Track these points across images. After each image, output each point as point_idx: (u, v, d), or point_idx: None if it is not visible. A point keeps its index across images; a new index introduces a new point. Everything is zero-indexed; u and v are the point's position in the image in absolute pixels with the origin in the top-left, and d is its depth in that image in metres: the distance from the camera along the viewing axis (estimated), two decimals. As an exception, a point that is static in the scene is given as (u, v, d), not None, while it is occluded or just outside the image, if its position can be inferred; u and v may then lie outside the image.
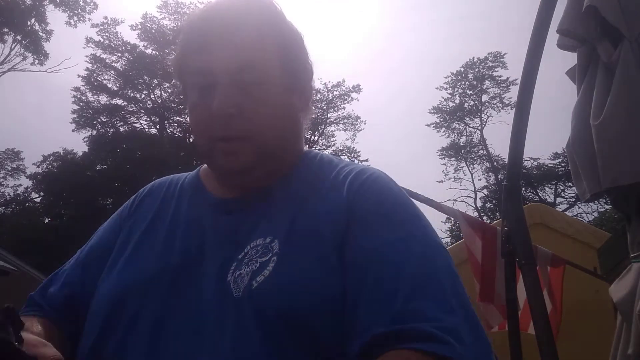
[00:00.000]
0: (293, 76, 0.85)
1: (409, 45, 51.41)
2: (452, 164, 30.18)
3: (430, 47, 51.50)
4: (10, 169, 27.46)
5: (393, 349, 0.60)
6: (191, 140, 27.06)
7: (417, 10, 54.13)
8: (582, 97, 1.67)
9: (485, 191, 29.50)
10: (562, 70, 1.85)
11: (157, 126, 28.02)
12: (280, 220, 0.77)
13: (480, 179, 29.89)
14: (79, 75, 26.64)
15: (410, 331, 0.60)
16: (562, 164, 25.32)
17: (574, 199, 25.62)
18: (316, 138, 28.53)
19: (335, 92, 28.68)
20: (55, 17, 32.68)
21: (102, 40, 26.72)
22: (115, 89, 27.36)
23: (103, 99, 27.38)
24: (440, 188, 37.18)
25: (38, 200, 26.99)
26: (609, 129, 1.50)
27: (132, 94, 27.81)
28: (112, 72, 27.25)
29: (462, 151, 30.09)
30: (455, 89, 30.16)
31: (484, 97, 29.68)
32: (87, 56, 26.59)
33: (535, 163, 27.32)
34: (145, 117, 28.33)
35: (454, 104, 30.23)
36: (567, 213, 17.03)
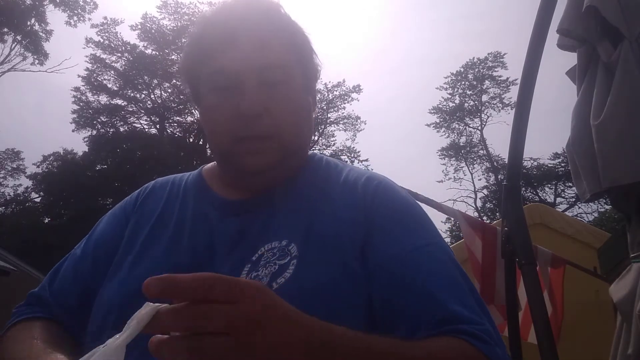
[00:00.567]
0: (305, 76, 0.86)
1: (409, 45, 51.42)
2: (452, 164, 30.21)
3: (430, 47, 51.52)
4: (10, 169, 27.45)
5: (450, 335, 0.64)
6: (191, 140, 27.09)
7: (417, 11, 54.18)
8: (582, 97, 1.67)
9: (485, 191, 29.52)
10: (562, 70, 1.85)
11: (157, 126, 28.00)
12: (294, 223, 0.78)
13: (480, 179, 29.91)
14: (79, 75, 26.66)
15: (456, 331, 0.64)
16: (562, 164, 25.30)
17: (574, 199, 25.60)
18: (316, 138, 28.50)
19: (335, 92, 28.68)
20: (55, 17, 32.71)
21: (102, 40, 26.71)
22: (115, 89, 27.35)
23: (103, 99, 27.39)
24: (440, 188, 37.28)
25: (38, 200, 26.98)
26: (609, 129, 1.50)
27: (132, 94, 27.80)
28: (112, 72, 27.23)
29: (462, 151, 30.07)
30: (455, 89, 30.17)
31: (484, 97, 29.70)
32: (87, 56, 26.60)
33: (535, 163, 27.34)
34: (145, 117, 28.33)
35: (454, 104, 30.23)
36: (567, 213, 17.02)
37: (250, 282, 0.49)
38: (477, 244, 2.44)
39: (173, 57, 26.13)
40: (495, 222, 4.05)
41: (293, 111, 0.82)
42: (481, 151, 30.03)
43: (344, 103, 29.02)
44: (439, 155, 30.35)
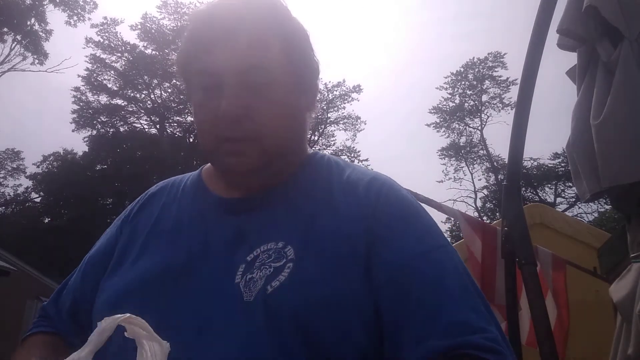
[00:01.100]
0: (298, 75, 0.83)
1: (409, 45, 51.41)
2: (452, 164, 30.24)
3: (430, 47, 51.53)
4: (10, 169, 27.51)
5: (462, 354, 0.63)
6: (191, 140, 27.08)
7: (418, 10, 54.14)
8: (582, 97, 1.67)
9: (485, 191, 29.55)
10: (562, 70, 1.85)
11: (157, 126, 28.02)
12: (292, 224, 0.76)
13: (480, 179, 30.00)
14: (78, 75, 26.73)
15: (465, 344, 0.63)
16: (562, 164, 25.31)
17: (574, 199, 25.61)
18: (316, 138, 28.53)
19: (335, 92, 28.72)
20: (55, 17, 32.71)
21: (101, 40, 26.76)
22: (115, 89, 27.39)
23: (103, 99, 27.46)
24: (440, 188, 37.26)
25: (38, 200, 27.00)
26: (609, 128, 1.50)
27: (132, 94, 27.83)
28: (112, 72, 27.28)
29: (462, 151, 30.08)
30: (455, 89, 30.20)
31: (484, 97, 29.73)
32: (86, 56, 26.66)
33: (535, 163, 27.36)
34: (145, 117, 28.37)
35: (454, 104, 30.25)
36: (567, 213, 17.03)
37: None
38: (477, 244, 2.43)
39: (173, 57, 25.92)
40: (495, 222, 4.05)
41: (278, 114, 0.79)
42: (481, 151, 30.10)
43: (344, 103, 29.09)
44: (439, 155, 30.43)
